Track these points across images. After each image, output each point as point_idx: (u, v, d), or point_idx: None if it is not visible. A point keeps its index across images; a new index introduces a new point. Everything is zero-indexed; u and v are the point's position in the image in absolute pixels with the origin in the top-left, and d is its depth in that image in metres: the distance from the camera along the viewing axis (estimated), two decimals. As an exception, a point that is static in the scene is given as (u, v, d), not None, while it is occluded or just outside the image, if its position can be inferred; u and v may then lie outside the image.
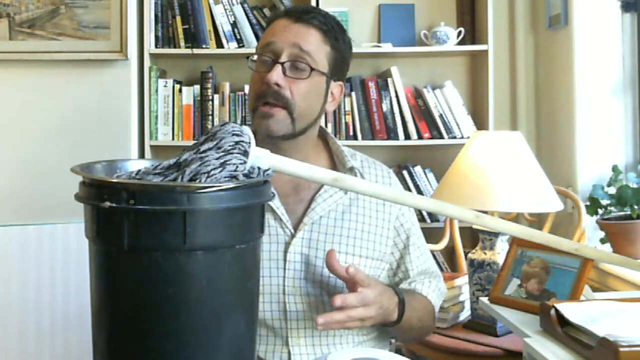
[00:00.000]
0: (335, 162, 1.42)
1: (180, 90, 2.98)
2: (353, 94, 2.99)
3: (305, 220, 1.34)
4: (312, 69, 1.32)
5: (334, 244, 1.34)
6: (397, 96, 3.00)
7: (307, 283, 1.32)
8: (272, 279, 1.31)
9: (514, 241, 1.42)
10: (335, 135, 2.93)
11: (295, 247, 1.32)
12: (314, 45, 1.33)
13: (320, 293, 1.32)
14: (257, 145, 0.91)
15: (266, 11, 3.01)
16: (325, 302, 1.33)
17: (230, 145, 0.82)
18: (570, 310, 1.12)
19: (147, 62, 2.92)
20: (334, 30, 1.36)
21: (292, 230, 1.33)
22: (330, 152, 1.45)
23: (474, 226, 2.32)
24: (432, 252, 1.57)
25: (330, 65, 1.36)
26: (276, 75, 1.29)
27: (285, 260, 1.32)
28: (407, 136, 2.98)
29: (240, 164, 0.82)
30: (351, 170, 1.38)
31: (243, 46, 2.96)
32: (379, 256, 1.38)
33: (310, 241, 1.33)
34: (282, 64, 1.30)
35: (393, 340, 1.46)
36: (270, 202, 1.29)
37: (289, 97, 1.30)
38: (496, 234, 1.95)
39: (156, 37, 2.96)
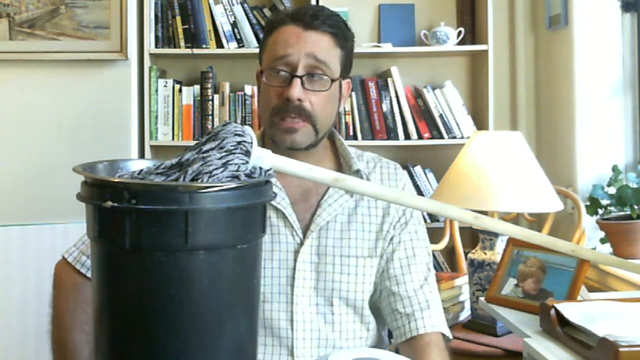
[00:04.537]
0: (342, 164, 1.39)
1: (180, 90, 2.98)
2: (353, 94, 2.99)
3: (312, 227, 1.32)
4: (332, 81, 1.31)
5: (343, 248, 1.32)
6: (397, 96, 3.00)
7: (316, 292, 1.31)
8: (280, 287, 1.29)
9: (510, 241, 1.42)
10: (335, 135, 2.94)
11: (304, 255, 1.30)
12: (329, 53, 1.31)
13: (327, 303, 1.31)
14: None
15: (266, 11, 3.01)
16: (332, 313, 1.31)
17: (232, 146, 0.82)
18: (570, 310, 1.12)
19: (147, 62, 2.92)
20: (343, 31, 1.34)
21: (302, 237, 1.31)
22: (337, 153, 1.42)
23: (473, 226, 2.32)
24: (432, 252, 1.56)
25: (341, 67, 1.34)
26: (298, 91, 1.27)
27: (294, 269, 1.30)
28: (407, 136, 2.99)
29: (242, 164, 0.82)
30: (357, 173, 1.35)
31: (243, 46, 2.96)
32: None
33: (319, 248, 1.31)
34: (301, 77, 1.28)
35: (393, 340, 1.45)
36: (283, 209, 1.30)
37: (310, 110, 1.28)
38: (496, 234, 1.95)
39: (156, 37, 2.96)
